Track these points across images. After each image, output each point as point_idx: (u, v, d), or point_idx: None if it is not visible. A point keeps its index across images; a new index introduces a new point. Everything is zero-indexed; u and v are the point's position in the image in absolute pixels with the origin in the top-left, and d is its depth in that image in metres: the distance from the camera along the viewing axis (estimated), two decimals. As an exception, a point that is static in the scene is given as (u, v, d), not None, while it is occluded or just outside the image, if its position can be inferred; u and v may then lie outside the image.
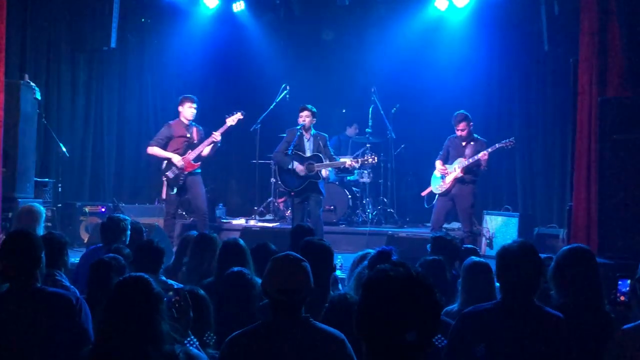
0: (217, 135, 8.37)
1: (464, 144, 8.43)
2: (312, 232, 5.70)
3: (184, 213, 9.83)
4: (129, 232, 5.60)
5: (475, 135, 8.50)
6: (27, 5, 9.62)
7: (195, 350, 2.88)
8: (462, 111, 8.47)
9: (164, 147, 8.43)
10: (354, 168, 9.16)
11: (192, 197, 8.52)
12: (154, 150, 8.48)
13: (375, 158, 8.48)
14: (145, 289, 2.73)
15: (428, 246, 5.55)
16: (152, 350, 2.65)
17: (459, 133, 8.40)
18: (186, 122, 8.51)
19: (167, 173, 8.38)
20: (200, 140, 8.48)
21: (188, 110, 8.47)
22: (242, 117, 8.55)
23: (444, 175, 8.41)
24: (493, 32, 10.82)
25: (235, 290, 3.87)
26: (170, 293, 3.06)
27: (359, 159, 8.35)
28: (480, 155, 8.17)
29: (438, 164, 8.50)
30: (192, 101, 8.50)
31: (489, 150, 8.20)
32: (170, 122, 8.62)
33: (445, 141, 8.66)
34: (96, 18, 10.41)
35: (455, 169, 8.35)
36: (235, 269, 4.08)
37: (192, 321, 3.08)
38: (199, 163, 8.49)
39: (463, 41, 10.97)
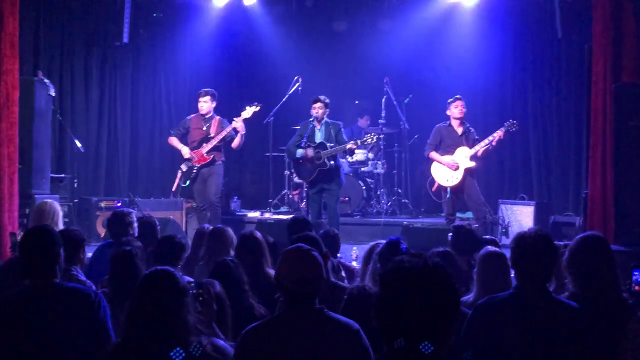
0: (237, 121, 8.44)
1: (460, 131, 8.37)
2: (308, 224, 5.69)
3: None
4: (135, 225, 5.63)
5: (467, 123, 8.50)
6: (40, 1, 9.67)
7: (221, 342, 2.94)
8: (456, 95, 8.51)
9: (183, 138, 8.68)
10: (353, 151, 9.00)
11: (203, 188, 8.63)
12: (172, 140, 8.80)
13: (375, 137, 8.43)
14: (172, 282, 2.79)
15: (449, 236, 5.56)
16: (179, 342, 2.69)
17: (457, 114, 8.33)
18: (203, 115, 8.65)
19: (181, 166, 8.64)
20: (220, 132, 8.57)
21: (199, 104, 8.68)
22: (257, 109, 8.64)
23: (453, 168, 8.30)
24: (506, 20, 10.74)
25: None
26: (192, 284, 3.09)
27: (358, 140, 8.35)
28: (497, 135, 8.19)
29: (446, 158, 8.34)
30: (200, 95, 8.72)
31: (502, 130, 8.21)
32: (192, 114, 8.86)
33: (434, 130, 8.58)
34: (108, 13, 10.47)
35: (462, 160, 8.28)
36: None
37: (215, 313, 3.12)
38: (213, 155, 8.53)
39: (476, 29, 10.89)
